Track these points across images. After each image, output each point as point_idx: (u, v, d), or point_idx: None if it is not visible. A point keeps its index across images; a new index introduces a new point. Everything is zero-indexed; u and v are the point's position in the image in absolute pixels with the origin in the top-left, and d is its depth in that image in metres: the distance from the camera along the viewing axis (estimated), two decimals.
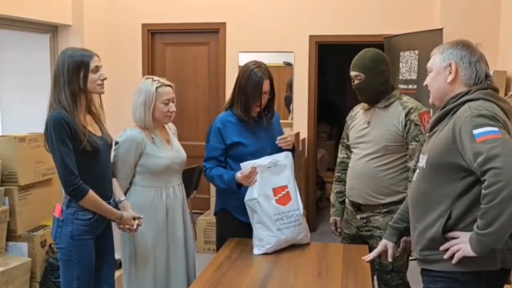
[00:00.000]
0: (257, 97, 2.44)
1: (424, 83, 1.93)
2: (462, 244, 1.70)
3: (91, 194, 2.20)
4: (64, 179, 2.16)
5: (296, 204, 2.40)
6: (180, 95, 5.76)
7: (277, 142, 2.50)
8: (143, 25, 5.61)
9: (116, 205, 2.39)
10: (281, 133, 2.69)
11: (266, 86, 2.46)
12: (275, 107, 2.65)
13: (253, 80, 2.44)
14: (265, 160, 2.39)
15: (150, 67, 5.66)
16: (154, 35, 5.70)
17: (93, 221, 2.25)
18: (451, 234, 1.75)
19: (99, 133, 2.33)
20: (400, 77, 4.54)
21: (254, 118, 2.52)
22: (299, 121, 5.37)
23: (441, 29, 4.10)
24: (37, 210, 3.15)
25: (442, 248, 1.76)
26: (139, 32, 5.63)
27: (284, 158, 2.45)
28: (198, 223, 4.75)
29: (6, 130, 4.62)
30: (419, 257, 1.87)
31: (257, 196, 2.33)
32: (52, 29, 5.30)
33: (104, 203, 2.26)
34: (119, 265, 2.88)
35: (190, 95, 5.63)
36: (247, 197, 2.36)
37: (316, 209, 5.68)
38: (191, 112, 5.58)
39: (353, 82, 2.49)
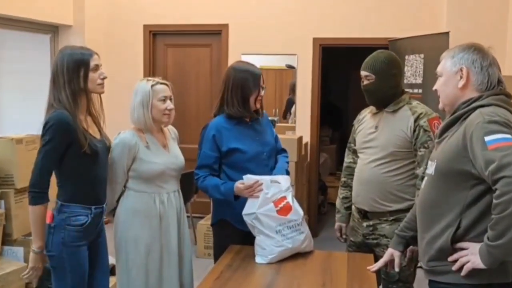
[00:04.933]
0: (256, 87, 2.42)
1: (434, 88, 1.87)
2: (471, 256, 1.64)
3: (45, 207, 2.13)
4: (36, 178, 2.10)
5: (297, 213, 2.34)
6: (181, 97, 5.77)
7: None
8: (145, 26, 5.57)
9: (110, 210, 2.34)
10: (273, 134, 2.65)
11: (261, 79, 2.46)
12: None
13: (251, 72, 2.44)
14: (267, 177, 2.34)
15: (151, 69, 5.61)
16: (156, 36, 5.65)
17: (85, 226, 2.19)
18: (460, 244, 1.69)
19: (98, 136, 2.28)
20: (405, 81, 4.48)
21: (252, 114, 2.47)
22: (301, 125, 5.32)
23: (447, 33, 4.04)
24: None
25: (450, 259, 1.70)
26: (140, 33, 5.59)
27: (284, 180, 2.39)
28: (198, 227, 4.69)
29: (5, 131, 4.57)
30: (426, 268, 1.81)
31: (257, 211, 2.26)
32: (53, 30, 5.27)
33: (41, 226, 2.14)
34: (115, 271, 2.82)
35: (191, 98, 5.58)
36: (246, 211, 2.29)
37: (318, 214, 5.62)
38: (193, 115, 5.52)
39: (363, 82, 2.43)
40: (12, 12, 4.50)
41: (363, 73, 2.41)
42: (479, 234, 1.65)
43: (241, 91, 2.42)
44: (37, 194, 2.11)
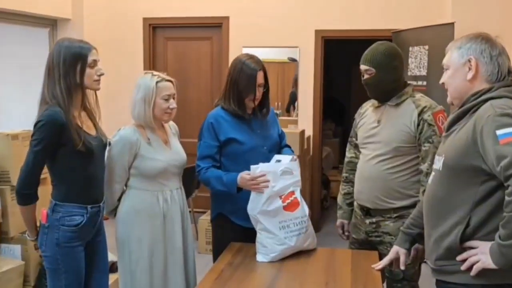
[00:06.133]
0: (251, 90, 2.33)
1: (441, 82, 1.79)
2: (481, 255, 1.57)
3: (35, 205, 2.10)
4: (26, 180, 2.04)
5: (303, 210, 2.27)
6: (182, 91, 5.63)
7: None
8: (144, 19, 5.49)
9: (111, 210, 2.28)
10: (279, 129, 2.57)
11: (260, 77, 2.35)
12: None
13: (246, 72, 2.33)
14: (276, 167, 2.23)
15: (151, 63, 5.54)
16: (156, 29, 5.58)
17: (81, 226, 2.12)
18: (469, 243, 1.62)
19: (93, 132, 2.20)
20: (409, 73, 4.40)
21: (248, 113, 2.39)
22: (304, 118, 5.25)
23: (452, 23, 3.95)
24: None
25: (459, 258, 1.63)
26: (140, 27, 5.51)
27: (296, 166, 2.31)
28: (199, 222, 4.63)
29: (3, 126, 4.51)
30: (434, 267, 1.75)
31: (262, 207, 2.18)
32: (51, 23, 5.21)
33: (34, 219, 2.14)
34: (115, 268, 2.76)
35: (192, 92, 5.51)
36: (251, 205, 2.21)
37: (320, 208, 5.56)
38: (193, 109, 5.45)
39: (363, 76, 2.34)
40: (9, 6, 4.44)
41: (362, 67, 2.32)
42: (489, 232, 1.58)
43: (237, 92, 2.35)
44: (28, 195, 2.06)
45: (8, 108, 4.76)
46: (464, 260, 1.61)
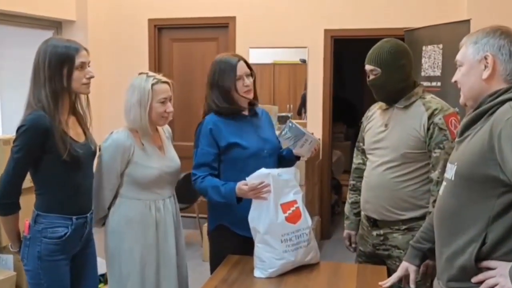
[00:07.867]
0: (233, 79, 2.21)
1: (453, 80, 1.62)
2: (500, 278, 1.40)
3: (17, 215, 1.99)
4: (6, 189, 1.93)
5: (306, 221, 2.11)
6: (187, 93, 5.58)
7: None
8: (150, 20, 5.39)
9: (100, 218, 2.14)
10: (275, 132, 2.45)
11: (241, 68, 2.24)
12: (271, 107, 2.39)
13: (227, 65, 2.23)
14: (273, 171, 2.09)
15: (156, 64, 5.44)
16: (161, 30, 5.48)
17: (65, 239, 1.99)
18: (486, 263, 1.45)
19: (82, 139, 2.07)
20: (423, 73, 4.21)
21: (243, 108, 2.28)
22: (313, 121, 5.08)
23: (468, 21, 3.76)
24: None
25: (474, 280, 1.46)
26: (145, 28, 5.41)
27: (291, 171, 2.17)
28: (204, 229, 4.48)
29: (7, 130, 4.45)
30: None
31: (263, 217, 2.03)
32: (56, 25, 5.14)
33: (16, 230, 2.03)
34: (106, 280, 2.63)
35: (198, 93, 5.38)
36: (252, 216, 2.06)
37: (331, 214, 5.38)
38: (199, 112, 5.30)
39: (368, 77, 2.18)
40: (13, 8, 4.37)
41: (367, 67, 2.16)
42: (509, 251, 1.42)
43: (221, 85, 2.23)
44: (8, 205, 1.95)
45: (12, 111, 4.70)
46: (480, 283, 1.45)
